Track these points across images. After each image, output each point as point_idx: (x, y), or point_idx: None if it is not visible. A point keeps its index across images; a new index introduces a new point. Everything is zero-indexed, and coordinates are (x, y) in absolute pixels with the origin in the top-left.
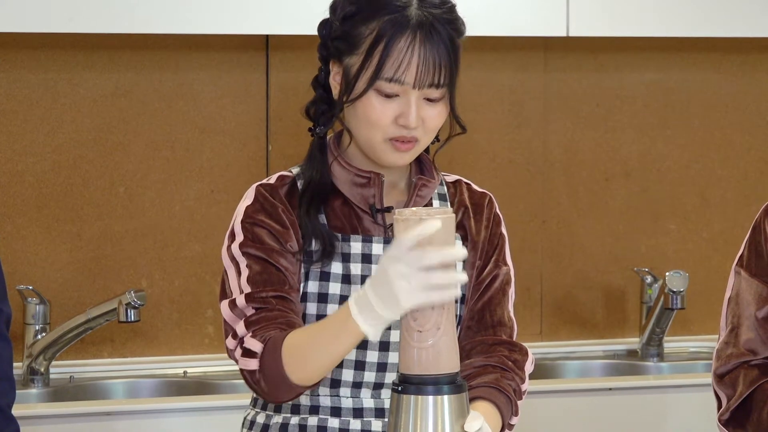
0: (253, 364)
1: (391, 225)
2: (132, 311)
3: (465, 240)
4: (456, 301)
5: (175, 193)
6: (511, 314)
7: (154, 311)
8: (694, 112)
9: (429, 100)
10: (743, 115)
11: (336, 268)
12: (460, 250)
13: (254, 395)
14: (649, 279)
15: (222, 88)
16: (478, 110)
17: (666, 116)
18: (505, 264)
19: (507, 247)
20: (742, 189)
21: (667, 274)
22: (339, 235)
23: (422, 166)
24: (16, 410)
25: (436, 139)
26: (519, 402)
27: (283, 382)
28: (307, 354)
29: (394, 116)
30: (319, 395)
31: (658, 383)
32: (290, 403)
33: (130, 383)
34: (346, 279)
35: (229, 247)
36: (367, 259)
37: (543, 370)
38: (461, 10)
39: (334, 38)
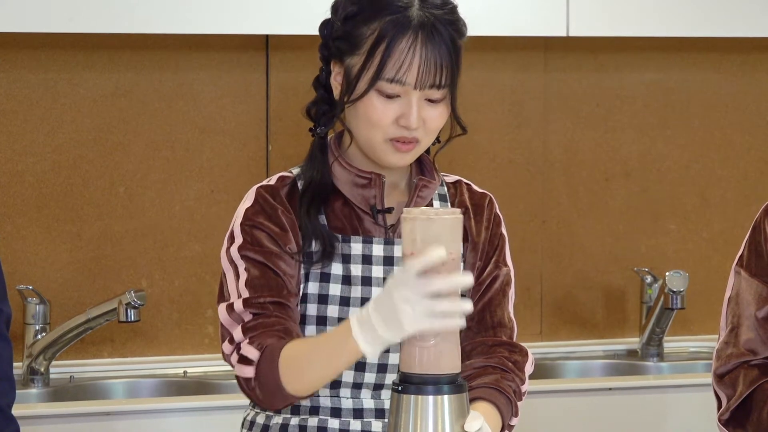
0: (249, 371)
1: (392, 226)
2: (132, 311)
3: (465, 241)
4: None
5: (175, 193)
6: (511, 315)
7: (154, 311)
8: (694, 112)
9: (430, 100)
10: (743, 115)
11: (336, 269)
12: (467, 279)
13: None
14: (649, 279)
15: (222, 88)
16: (479, 110)
17: (666, 116)
18: (505, 265)
19: (507, 247)
20: (742, 189)
21: (667, 274)
22: (339, 236)
23: (423, 166)
24: (16, 410)
25: (437, 140)
26: (519, 403)
27: (279, 392)
28: (304, 366)
29: (395, 117)
30: (319, 396)
31: (658, 383)
32: None
33: (130, 383)
34: (347, 280)
35: (228, 249)
36: (367, 260)
37: (543, 370)
38: (462, 11)
39: (335, 38)
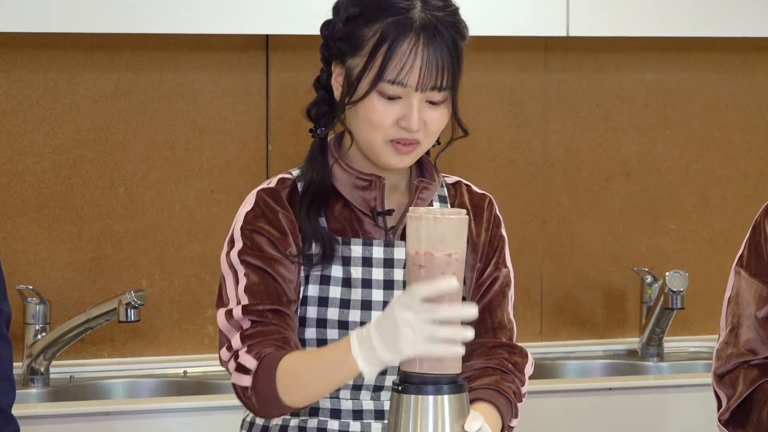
0: (246, 380)
1: (392, 228)
2: (132, 311)
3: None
4: None
5: (175, 193)
6: (511, 316)
7: (154, 311)
8: (694, 112)
9: (431, 102)
10: (743, 115)
11: (336, 271)
12: (471, 310)
13: None
14: (649, 279)
15: (222, 88)
16: (479, 110)
17: (666, 116)
18: (505, 266)
19: (507, 248)
20: (742, 189)
21: (667, 274)
22: (339, 238)
23: (423, 168)
24: (16, 410)
25: (438, 141)
26: (519, 404)
27: (275, 402)
28: (302, 379)
29: (396, 118)
30: None
31: (658, 383)
32: None
33: (130, 383)
34: (347, 282)
35: (228, 253)
36: (367, 262)
37: (543, 370)
38: (462, 11)
39: (336, 39)
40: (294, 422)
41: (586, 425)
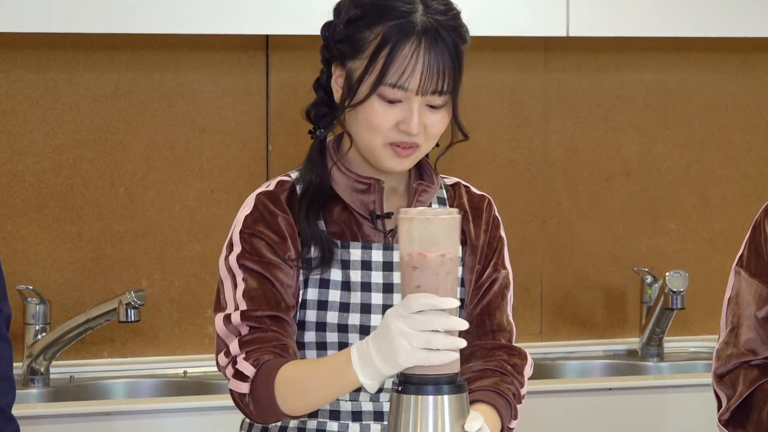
0: (244, 387)
1: (391, 231)
2: (132, 311)
3: (464, 244)
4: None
5: (175, 193)
6: (510, 318)
7: (154, 311)
8: (694, 112)
9: (431, 106)
10: (743, 115)
11: (335, 275)
12: (463, 324)
13: None
14: (649, 279)
15: (222, 88)
16: (478, 110)
17: (666, 116)
18: (504, 267)
19: (506, 250)
20: (742, 189)
21: (667, 274)
22: (338, 241)
23: (422, 170)
24: (16, 410)
25: (437, 144)
26: (518, 406)
27: (273, 410)
28: (301, 389)
29: (396, 122)
30: None
31: (658, 383)
32: None
33: (130, 383)
34: (346, 286)
35: (227, 257)
36: (366, 266)
37: (543, 370)
38: (461, 11)
39: (337, 41)
40: (293, 423)
41: (586, 425)
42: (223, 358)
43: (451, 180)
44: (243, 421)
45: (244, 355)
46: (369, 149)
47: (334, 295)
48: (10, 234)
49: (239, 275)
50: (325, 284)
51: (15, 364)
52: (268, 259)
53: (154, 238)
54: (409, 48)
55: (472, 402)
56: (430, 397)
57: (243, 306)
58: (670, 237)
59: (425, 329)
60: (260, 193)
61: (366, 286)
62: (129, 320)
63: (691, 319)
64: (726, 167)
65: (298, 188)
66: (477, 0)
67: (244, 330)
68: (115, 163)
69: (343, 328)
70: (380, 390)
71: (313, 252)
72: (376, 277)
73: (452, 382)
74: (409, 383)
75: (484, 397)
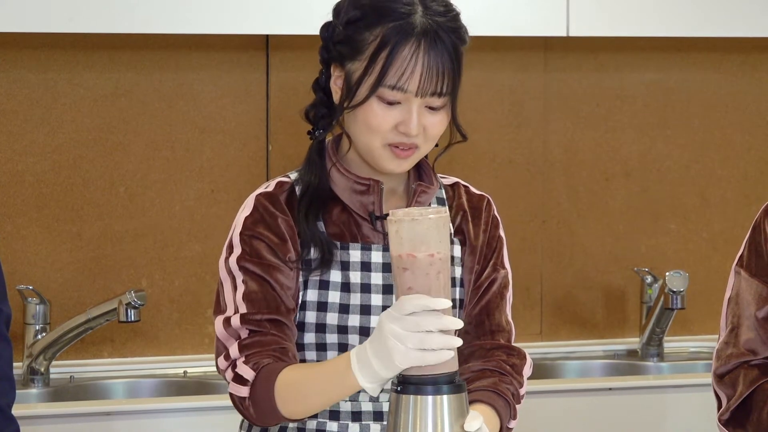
0: (243, 391)
1: None
2: (132, 311)
3: (463, 244)
4: (454, 306)
5: (175, 193)
6: (509, 318)
7: (154, 311)
8: (694, 112)
9: (431, 108)
10: (743, 115)
11: (335, 276)
12: (458, 322)
13: None
14: (649, 279)
15: (222, 88)
16: (478, 110)
17: (666, 116)
18: (503, 267)
19: (505, 249)
20: (742, 189)
21: (667, 274)
22: (338, 243)
23: (421, 171)
24: (16, 410)
25: (436, 144)
26: (517, 406)
27: (273, 414)
28: (301, 393)
29: (395, 123)
30: None
31: (658, 383)
32: None
33: (130, 383)
34: (345, 287)
35: (226, 259)
36: (366, 267)
37: (543, 370)
38: (461, 11)
39: (336, 42)
40: (293, 423)
41: (586, 425)
42: (222, 362)
43: (450, 180)
44: (242, 421)
45: (243, 359)
46: (368, 150)
47: (334, 297)
48: (10, 234)
49: (239, 277)
50: (324, 285)
51: (15, 364)
52: (268, 261)
53: (154, 238)
54: (408, 49)
55: (470, 402)
56: (429, 397)
57: (243, 309)
58: (670, 237)
59: (418, 330)
60: (259, 194)
61: (365, 287)
62: (129, 320)
63: (691, 319)
64: (726, 167)
65: (298, 189)
66: (477, 0)
67: (244, 333)
68: (115, 163)
69: (342, 330)
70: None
71: (313, 253)
72: (376, 278)
73: (451, 381)
74: (408, 383)
75: (482, 397)
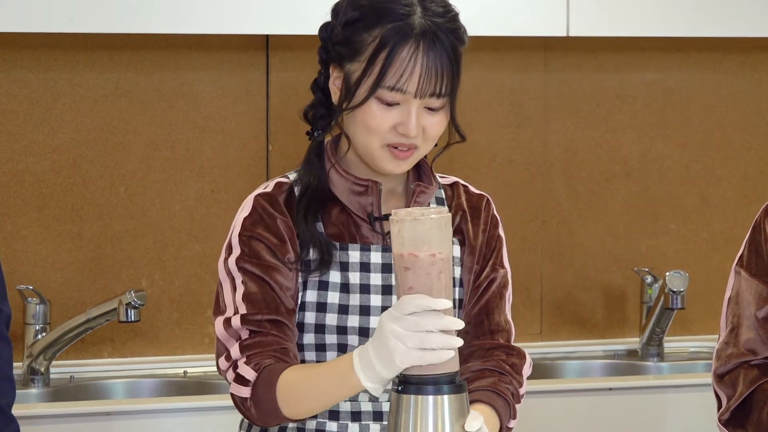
0: (245, 392)
1: (389, 232)
2: (132, 311)
3: (463, 244)
4: (454, 306)
5: (175, 193)
6: (509, 317)
7: (154, 311)
8: (694, 112)
9: (430, 108)
10: (743, 115)
11: (334, 277)
12: (458, 323)
13: None
14: (649, 279)
15: (222, 88)
16: (478, 110)
17: (666, 116)
18: (503, 267)
19: (504, 249)
20: (742, 189)
21: (667, 274)
22: (337, 243)
23: (420, 171)
24: (16, 410)
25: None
26: (517, 405)
27: (275, 414)
28: (302, 393)
29: (394, 124)
30: None
31: (658, 383)
32: None
33: (130, 383)
34: (345, 288)
35: (226, 260)
36: (365, 267)
37: (543, 370)
38: (461, 11)
39: (335, 43)
40: (293, 423)
41: (586, 425)
42: (223, 362)
43: (449, 179)
44: (242, 420)
45: (245, 360)
46: (367, 151)
47: (333, 297)
48: (10, 234)
49: (238, 278)
50: (324, 286)
51: (15, 364)
52: (267, 262)
53: (154, 238)
54: (407, 51)
55: (470, 402)
56: (430, 397)
57: (243, 309)
58: (670, 237)
59: (419, 330)
60: (258, 195)
61: (365, 288)
62: (129, 320)
63: (691, 319)
64: (726, 167)
65: (296, 190)
66: (477, 0)
67: (245, 334)
68: (115, 163)
69: (342, 330)
70: None
71: (312, 254)
72: (375, 278)
73: (452, 381)
74: (409, 383)
75: (482, 397)
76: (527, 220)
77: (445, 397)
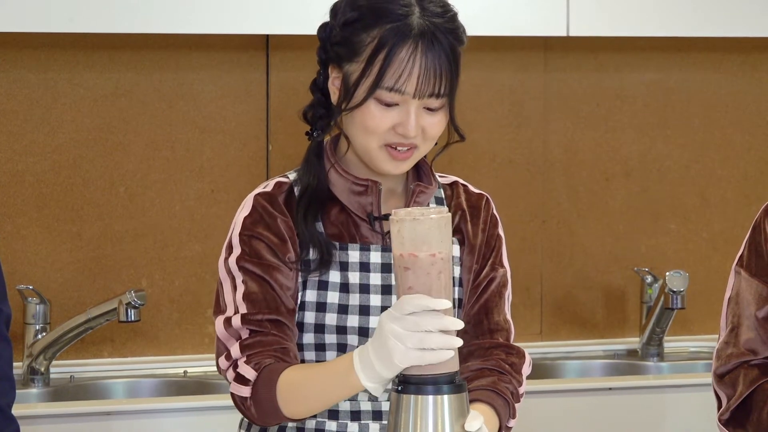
0: (245, 391)
1: (389, 232)
2: (132, 311)
3: (462, 244)
4: (454, 306)
5: (175, 193)
6: (508, 317)
7: (154, 311)
8: (694, 112)
9: (429, 109)
10: (743, 115)
11: (334, 276)
12: (458, 324)
13: None
14: (649, 279)
15: (222, 88)
16: (478, 110)
17: (666, 116)
18: (502, 266)
19: (504, 248)
20: (742, 189)
21: (667, 274)
22: (336, 243)
23: (420, 171)
24: (16, 410)
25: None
26: (516, 405)
27: (275, 414)
28: (302, 393)
29: (393, 124)
30: None
31: (658, 383)
32: None
33: (130, 383)
34: (344, 288)
35: (226, 259)
36: (365, 267)
37: (543, 370)
38: (461, 10)
39: (333, 43)
40: (292, 423)
41: (586, 425)
42: (224, 362)
43: (449, 179)
44: (241, 420)
45: (245, 359)
46: (366, 152)
47: (333, 297)
48: (10, 234)
49: (239, 277)
50: (323, 286)
51: (15, 364)
52: (267, 261)
53: (154, 238)
54: (405, 51)
55: (469, 401)
56: (430, 397)
57: (243, 309)
58: (670, 237)
59: (418, 330)
60: (258, 194)
61: (364, 288)
62: (129, 320)
63: (691, 319)
64: (726, 167)
65: (296, 190)
66: (477, 0)
67: (245, 333)
68: (115, 163)
69: (341, 330)
70: None
71: (312, 254)
72: (375, 278)
73: (452, 381)
74: (409, 383)
75: (481, 397)
76: (527, 220)
77: (445, 397)
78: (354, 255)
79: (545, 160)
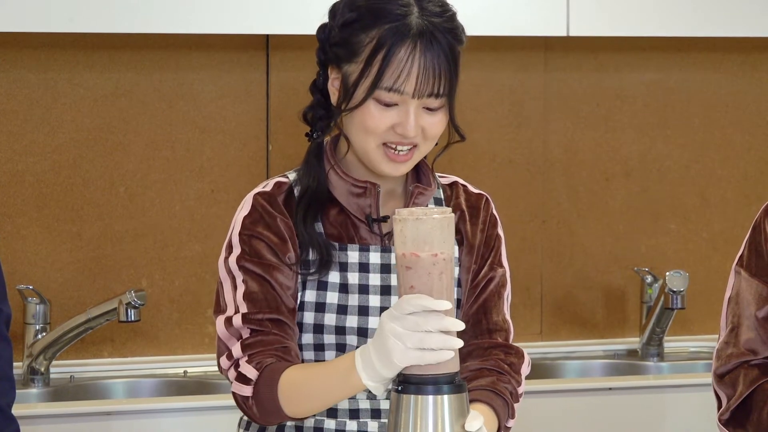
0: (246, 390)
1: (388, 234)
2: (132, 311)
3: (461, 244)
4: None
5: (175, 193)
6: (507, 316)
7: (154, 311)
8: (694, 112)
9: (428, 109)
10: (743, 115)
11: (333, 277)
12: (459, 324)
13: None
14: (649, 279)
15: (222, 88)
16: (478, 110)
17: (666, 116)
18: (501, 266)
19: (503, 248)
20: (742, 189)
21: (667, 274)
22: (336, 244)
23: (419, 172)
24: (16, 410)
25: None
26: (515, 405)
27: (276, 413)
28: (304, 392)
29: (392, 124)
30: None
31: (658, 383)
32: None
33: (130, 383)
34: (344, 288)
35: (226, 259)
36: (364, 268)
37: (543, 370)
38: (461, 10)
39: (332, 44)
40: (291, 421)
41: (586, 425)
42: (225, 361)
43: (448, 179)
44: (241, 419)
45: (246, 358)
46: (364, 152)
47: (332, 297)
48: (10, 234)
49: (239, 277)
50: (323, 286)
51: (15, 364)
52: (267, 260)
53: (154, 238)
54: (404, 51)
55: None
56: (430, 397)
57: (244, 308)
58: (670, 237)
59: (418, 330)
60: (257, 193)
61: (364, 289)
62: (129, 320)
63: (691, 319)
64: (726, 167)
65: (296, 190)
66: (477, 0)
67: (246, 333)
68: (115, 163)
69: (340, 330)
70: None
71: (312, 255)
72: (374, 279)
73: (451, 381)
74: (409, 383)
75: (480, 397)
76: (527, 220)
77: (445, 397)
78: (353, 255)
79: (545, 160)
